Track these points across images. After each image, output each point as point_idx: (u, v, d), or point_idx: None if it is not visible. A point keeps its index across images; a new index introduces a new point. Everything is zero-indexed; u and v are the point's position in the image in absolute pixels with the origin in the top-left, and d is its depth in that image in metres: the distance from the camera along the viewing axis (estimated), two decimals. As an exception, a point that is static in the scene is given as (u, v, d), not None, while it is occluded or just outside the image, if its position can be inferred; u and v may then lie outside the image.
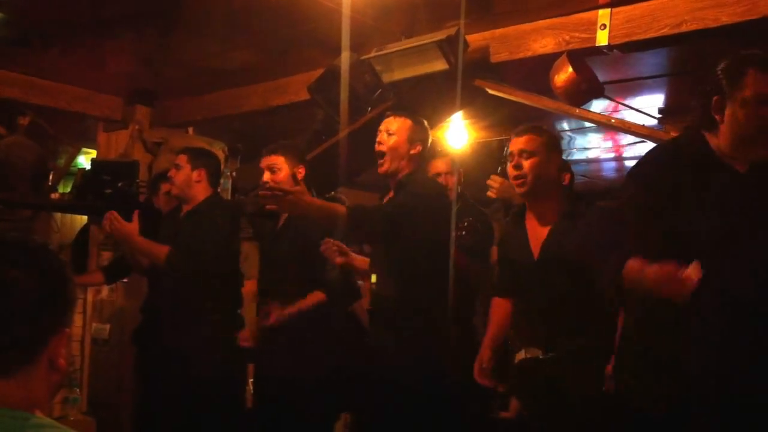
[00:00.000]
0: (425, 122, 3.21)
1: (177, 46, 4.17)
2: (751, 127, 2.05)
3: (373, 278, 3.14)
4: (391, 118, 3.18)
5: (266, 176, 3.46)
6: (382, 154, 3.12)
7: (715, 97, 2.09)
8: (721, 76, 2.08)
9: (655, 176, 2.16)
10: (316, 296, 3.42)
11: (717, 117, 2.10)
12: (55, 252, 1.27)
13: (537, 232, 2.79)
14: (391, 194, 3.17)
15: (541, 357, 2.71)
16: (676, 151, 2.22)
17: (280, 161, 3.46)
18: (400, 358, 2.97)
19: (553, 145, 2.83)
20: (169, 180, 3.76)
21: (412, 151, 3.13)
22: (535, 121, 3.02)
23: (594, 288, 2.56)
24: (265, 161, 3.49)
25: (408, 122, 3.15)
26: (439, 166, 3.76)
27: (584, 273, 2.54)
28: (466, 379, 2.97)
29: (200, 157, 3.77)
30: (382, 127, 3.16)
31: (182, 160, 3.72)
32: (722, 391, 2.03)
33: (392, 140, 3.11)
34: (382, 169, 3.14)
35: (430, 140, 3.24)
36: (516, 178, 2.77)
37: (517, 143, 2.79)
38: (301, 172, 3.48)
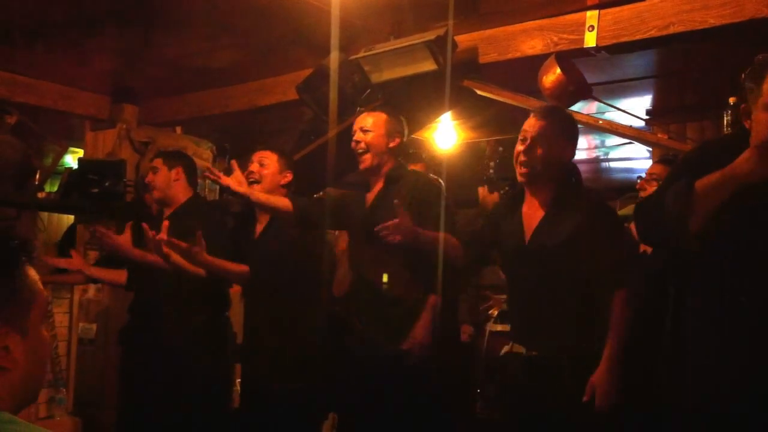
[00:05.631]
0: (400, 116, 3.21)
1: (162, 44, 4.14)
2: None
3: (385, 278, 3.04)
4: (364, 115, 3.19)
5: (254, 167, 3.46)
6: (363, 152, 3.14)
7: (742, 105, 2.05)
8: (745, 83, 2.01)
9: (702, 154, 2.14)
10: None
11: (746, 124, 2.06)
12: (15, 247, 1.19)
13: (532, 217, 2.68)
14: (377, 189, 3.17)
15: (524, 354, 2.60)
16: (724, 145, 2.13)
17: (272, 158, 3.48)
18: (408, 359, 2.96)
19: (567, 131, 2.68)
20: (149, 186, 3.77)
21: (391, 144, 3.16)
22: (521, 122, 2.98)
23: (581, 281, 2.54)
24: (258, 155, 3.51)
25: (383, 116, 3.17)
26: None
27: (572, 264, 2.53)
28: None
29: (174, 157, 3.81)
30: (356, 126, 3.18)
31: (157, 162, 3.76)
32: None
33: (369, 136, 3.13)
34: (364, 165, 3.16)
35: (406, 132, 3.24)
36: (522, 165, 2.64)
37: (534, 126, 2.63)
38: (287, 177, 3.49)
